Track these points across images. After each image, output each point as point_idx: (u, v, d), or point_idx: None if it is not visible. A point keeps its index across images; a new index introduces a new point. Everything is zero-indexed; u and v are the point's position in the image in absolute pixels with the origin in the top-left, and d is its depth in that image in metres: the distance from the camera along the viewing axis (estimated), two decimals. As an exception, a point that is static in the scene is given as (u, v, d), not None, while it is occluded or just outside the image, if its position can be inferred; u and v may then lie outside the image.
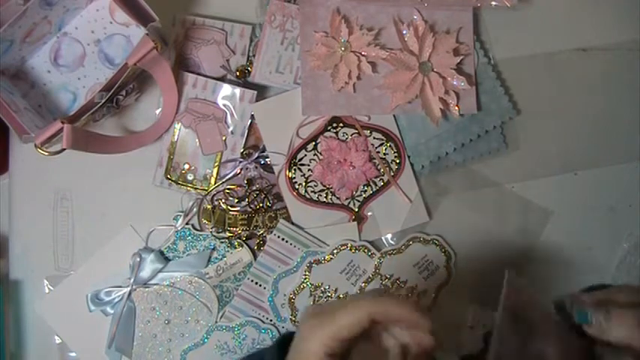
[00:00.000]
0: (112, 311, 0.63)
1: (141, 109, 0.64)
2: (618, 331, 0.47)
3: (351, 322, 0.41)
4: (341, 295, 0.62)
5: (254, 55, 0.63)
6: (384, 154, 0.63)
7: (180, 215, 0.63)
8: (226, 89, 0.62)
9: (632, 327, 0.46)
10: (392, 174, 0.64)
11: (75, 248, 0.64)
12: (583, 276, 0.65)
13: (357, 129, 0.63)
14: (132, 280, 0.62)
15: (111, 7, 0.63)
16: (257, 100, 0.63)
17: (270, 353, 0.47)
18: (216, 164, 0.63)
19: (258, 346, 0.62)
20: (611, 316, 0.46)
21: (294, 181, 0.63)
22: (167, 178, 0.63)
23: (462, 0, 0.62)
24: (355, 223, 0.64)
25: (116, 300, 0.62)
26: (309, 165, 0.63)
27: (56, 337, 0.63)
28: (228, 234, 0.63)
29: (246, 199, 0.63)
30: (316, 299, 0.62)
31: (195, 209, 0.63)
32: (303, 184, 0.63)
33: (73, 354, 0.63)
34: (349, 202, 0.64)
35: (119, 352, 0.62)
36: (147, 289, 0.63)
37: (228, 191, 0.63)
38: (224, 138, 0.63)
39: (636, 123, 0.66)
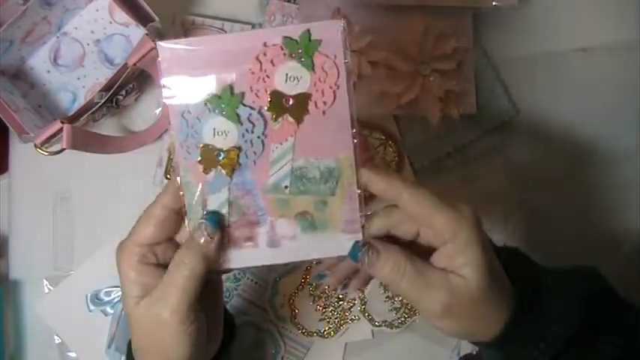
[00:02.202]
0: (111, 311, 0.63)
1: (141, 109, 0.64)
2: (382, 270, 0.40)
3: (145, 222, 0.41)
4: (340, 296, 0.62)
5: (254, 55, 0.63)
6: (384, 154, 0.63)
7: (180, 215, 0.63)
8: (226, 89, 0.62)
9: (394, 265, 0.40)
10: (392, 174, 0.64)
11: (75, 248, 0.64)
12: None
13: (356, 129, 0.63)
14: (132, 280, 0.62)
15: (110, 7, 0.63)
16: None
17: None
18: (216, 164, 0.63)
19: (257, 347, 0.62)
20: (380, 251, 0.40)
21: (293, 181, 0.63)
22: (167, 178, 0.63)
23: (462, 0, 0.62)
24: (355, 223, 0.64)
25: (116, 300, 0.62)
26: (308, 165, 0.63)
27: (56, 337, 0.63)
28: (228, 234, 0.63)
29: (246, 199, 0.63)
30: (316, 299, 0.62)
31: (195, 209, 0.63)
32: (303, 184, 0.63)
33: (72, 354, 0.63)
34: (349, 202, 0.64)
35: (119, 352, 0.62)
36: (147, 289, 0.63)
37: (228, 191, 0.63)
38: (224, 138, 0.63)
39: (636, 123, 0.66)
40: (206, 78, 0.39)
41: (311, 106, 0.39)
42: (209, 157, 0.40)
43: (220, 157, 0.40)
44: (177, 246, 0.42)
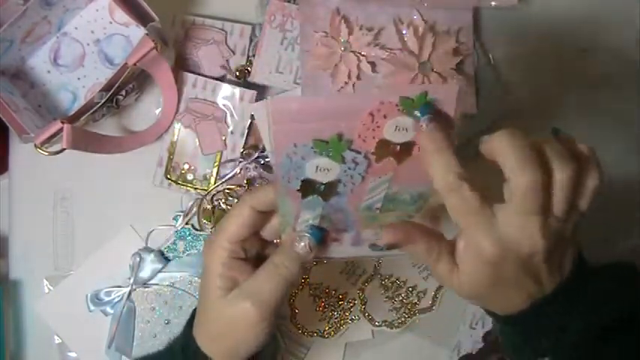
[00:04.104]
0: (111, 311, 0.63)
1: (141, 109, 0.64)
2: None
3: (236, 221, 0.43)
4: (340, 295, 0.62)
5: (254, 55, 0.63)
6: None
7: (180, 215, 0.63)
8: (226, 89, 0.62)
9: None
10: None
11: (75, 248, 0.64)
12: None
13: (357, 129, 0.63)
14: (132, 280, 0.62)
15: (110, 7, 0.63)
16: (257, 100, 0.63)
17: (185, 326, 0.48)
18: (216, 164, 0.63)
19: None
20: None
21: (294, 181, 0.63)
22: (167, 178, 0.63)
23: (462, 0, 0.62)
24: (355, 223, 0.64)
25: (116, 300, 0.62)
26: (309, 165, 0.63)
27: (56, 337, 0.63)
28: (228, 234, 0.63)
29: (246, 199, 0.63)
30: (316, 299, 0.62)
31: (195, 209, 0.63)
32: (303, 184, 0.63)
33: (72, 354, 0.63)
34: (349, 202, 0.64)
35: (119, 352, 0.62)
36: (147, 289, 0.63)
37: (228, 191, 0.63)
38: (224, 138, 0.63)
39: (636, 123, 0.66)
40: (316, 127, 0.38)
41: (414, 150, 0.40)
42: (309, 188, 0.41)
43: (320, 189, 0.41)
44: (262, 240, 0.45)
